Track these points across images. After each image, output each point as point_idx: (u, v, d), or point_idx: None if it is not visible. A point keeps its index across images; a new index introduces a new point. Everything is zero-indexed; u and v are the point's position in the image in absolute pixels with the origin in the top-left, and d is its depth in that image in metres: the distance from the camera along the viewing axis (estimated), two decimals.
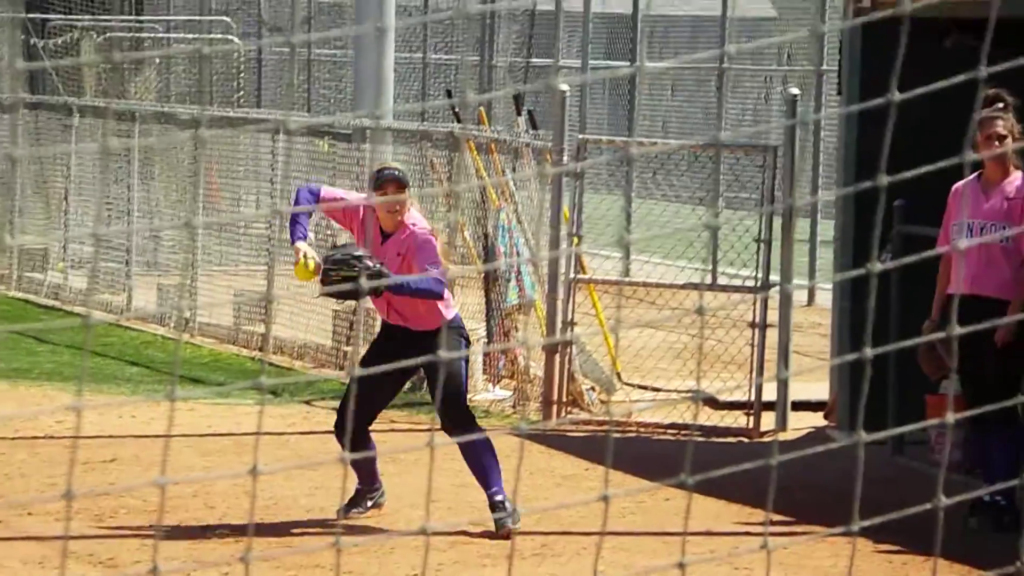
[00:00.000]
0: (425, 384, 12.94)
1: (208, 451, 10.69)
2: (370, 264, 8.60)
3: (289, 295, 11.16)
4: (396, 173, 8.83)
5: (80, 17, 22.15)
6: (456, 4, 21.06)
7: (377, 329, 9.30)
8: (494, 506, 8.75)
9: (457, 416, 8.75)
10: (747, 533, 8.99)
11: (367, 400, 8.42)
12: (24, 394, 12.48)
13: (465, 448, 8.70)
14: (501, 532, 8.69)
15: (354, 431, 8.88)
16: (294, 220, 8.77)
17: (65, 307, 16.97)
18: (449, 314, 8.83)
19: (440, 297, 8.73)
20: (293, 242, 8.72)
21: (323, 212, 9.23)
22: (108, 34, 21.81)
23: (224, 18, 23.38)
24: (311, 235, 9.00)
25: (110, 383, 13.02)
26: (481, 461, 8.80)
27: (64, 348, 14.46)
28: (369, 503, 9.12)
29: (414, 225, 8.80)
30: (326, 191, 8.99)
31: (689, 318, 12.73)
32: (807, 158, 17.79)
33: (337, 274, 8.57)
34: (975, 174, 9.19)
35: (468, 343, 9.01)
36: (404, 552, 8.33)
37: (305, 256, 8.64)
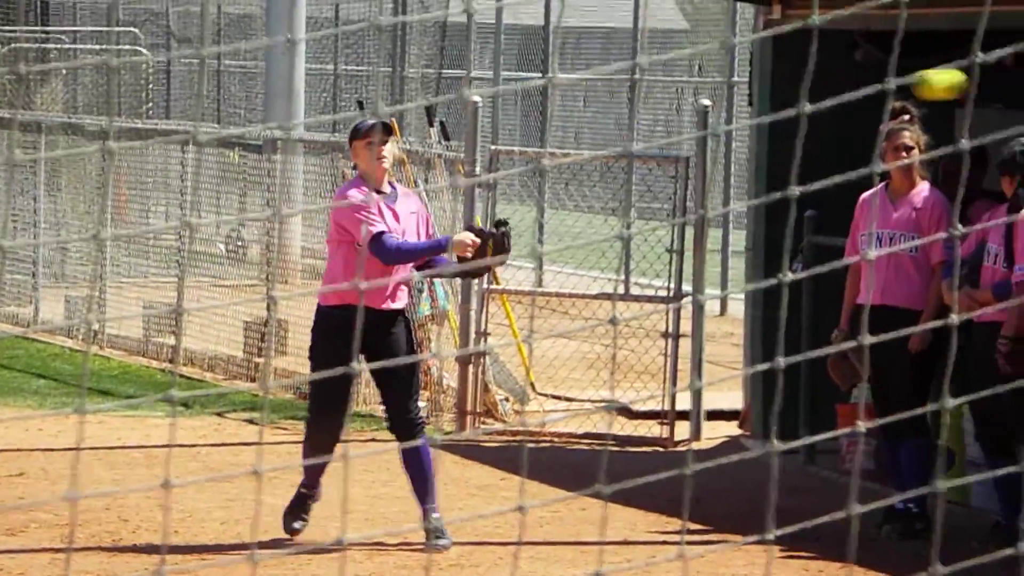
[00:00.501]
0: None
1: (118, 464, 10.58)
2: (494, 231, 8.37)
3: (199, 307, 11.06)
4: (379, 122, 8.38)
5: None
6: (367, 15, 21.01)
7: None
8: (430, 519, 8.45)
9: (417, 416, 8.48)
10: (664, 542, 9.01)
11: (345, 394, 8.40)
12: None
13: (414, 454, 8.37)
14: (431, 551, 8.47)
15: (337, 426, 8.48)
16: (414, 246, 8.40)
17: None
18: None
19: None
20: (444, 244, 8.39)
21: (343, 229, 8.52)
22: (13, 44, 21.58)
23: (132, 29, 23.20)
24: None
25: (16, 396, 12.87)
26: (427, 470, 8.47)
27: None
28: (309, 510, 8.72)
29: (399, 182, 8.70)
30: (388, 234, 8.37)
31: (602, 328, 12.76)
32: (718, 169, 17.89)
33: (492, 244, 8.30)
34: (881, 184, 9.27)
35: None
36: (321, 563, 8.28)
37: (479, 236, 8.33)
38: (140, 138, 15.81)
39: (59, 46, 23.38)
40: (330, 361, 8.12)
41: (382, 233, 8.32)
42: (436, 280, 12.72)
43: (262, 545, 8.66)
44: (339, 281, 8.31)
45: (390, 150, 8.45)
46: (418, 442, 8.33)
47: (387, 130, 8.48)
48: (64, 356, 14.86)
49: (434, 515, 8.49)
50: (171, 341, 14.65)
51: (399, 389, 8.45)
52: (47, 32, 23.30)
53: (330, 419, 8.46)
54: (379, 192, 8.41)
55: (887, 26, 10.07)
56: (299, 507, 8.75)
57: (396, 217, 8.41)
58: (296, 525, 8.73)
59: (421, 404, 8.69)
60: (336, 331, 8.21)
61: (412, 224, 8.43)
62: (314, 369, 8.56)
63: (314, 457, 8.49)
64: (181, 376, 13.84)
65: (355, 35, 21.52)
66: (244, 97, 23.04)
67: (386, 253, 8.28)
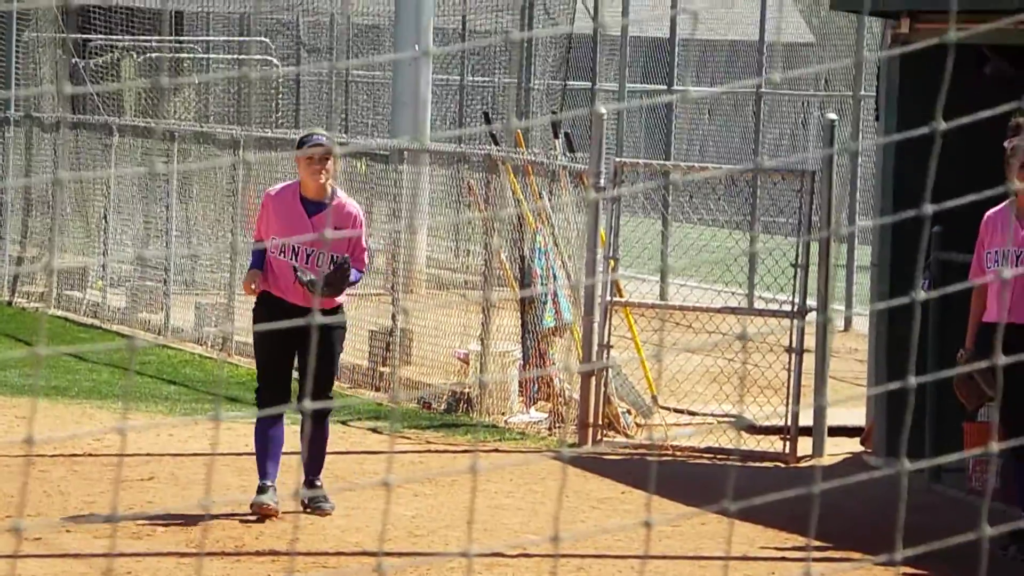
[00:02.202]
0: (460, 404, 12.97)
1: (245, 470, 10.73)
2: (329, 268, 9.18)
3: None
4: (324, 139, 9.34)
5: (120, 37, 22.30)
6: (494, 26, 21.13)
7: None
8: (314, 488, 9.27)
9: (328, 397, 9.32)
10: (783, 559, 8.98)
11: (283, 377, 9.24)
12: (63, 412, 12.56)
13: (318, 433, 9.26)
14: (320, 512, 9.28)
15: (278, 400, 9.25)
16: (252, 254, 9.42)
17: (104, 325, 17.06)
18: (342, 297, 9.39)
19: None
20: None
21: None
22: (148, 54, 21.96)
23: (263, 39, 23.51)
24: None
25: (148, 401, 13.09)
26: (324, 448, 9.36)
27: (103, 366, 14.54)
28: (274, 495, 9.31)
29: (346, 201, 9.26)
30: (256, 241, 9.38)
31: (725, 342, 12.74)
32: (844, 183, 17.77)
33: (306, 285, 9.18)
34: (1007, 201, 9.18)
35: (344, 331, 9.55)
36: (440, 573, 8.35)
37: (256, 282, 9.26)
38: (270, 148, 16.02)
39: (192, 56, 23.75)
40: (262, 340, 9.32)
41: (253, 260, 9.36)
42: (560, 293, 12.77)
43: (384, 554, 8.75)
44: (267, 269, 9.31)
45: (331, 166, 9.20)
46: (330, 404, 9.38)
47: (328, 151, 9.24)
48: (194, 363, 15.09)
49: (318, 483, 9.36)
50: None
51: (317, 364, 9.19)
52: (180, 42, 23.68)
53: (270, 392, 9.26)
54: (310, 202, 9.19)
55: (1016, 40, 9.98)
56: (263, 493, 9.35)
57: (312, 227, 9.12)
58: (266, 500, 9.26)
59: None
60: (264, 313, 9.26)
61: (333, 244, 9.19)
62: (254, 345, 9.61)
63: (263, 444, 9.32)
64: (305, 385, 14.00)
65: (481, 46, 21.65)
66: (371, 107, 23.25)
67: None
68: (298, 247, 9.15)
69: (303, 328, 8.91)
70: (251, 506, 9.21)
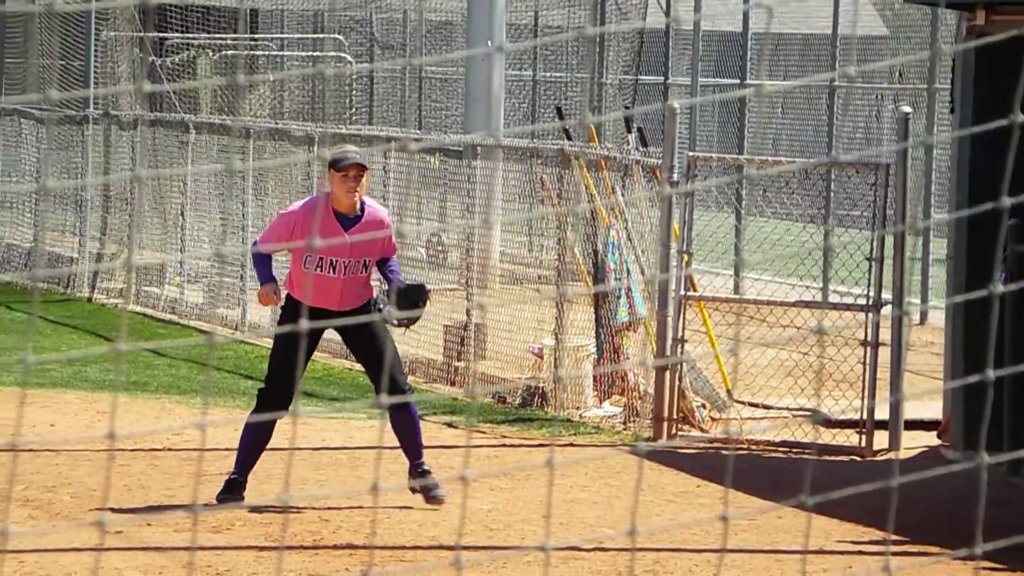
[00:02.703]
0: (534, 398, 13.01)
1: (322, 465, 10.82)
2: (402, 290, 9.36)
3: (403, 314, 11.35)
4: (357, 156, 9.38)
5: (196, 35, 22.49)
6: (567, 21, 21.14)
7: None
8: (425, 475, 9.35)
9: (405, 381, 9.46)
10: (860, 552, 8.97)
11: (292, 382, 9.38)
12: (143, 407, 12.70)
13: (402, 416, 9.34)
14: (435, 502, 9.34)
15: (282, 405, 9.31)
16: (258, 266, 9.55)
17: (182, 321, 17.23)
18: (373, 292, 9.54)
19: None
20: (262, 284, 9.52)
21: (275, 252, 9.72)
22: (224, 52, 22.12)
23: (337, 36, 23.63)
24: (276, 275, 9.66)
25: (225, 396, 13.21)
26: (417, 432, 9.40)
27: (181, 362, 14.69)
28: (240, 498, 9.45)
29: (374, 208, 9.44)
30: (263, 245, 9.50)
31: (800, 336, 12.71)
32: (919, 177, 17.68)
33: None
34: None
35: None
36: (516, 567, 8.39)
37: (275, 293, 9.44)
38: (344, 144, 16.12)
39: (267, 53, 23.90)
40: (285, 342, 9.42)
41: (255, 244, 9.55)
42: (634, 288, 12.78)
43: (460, 548, 8.80)
44: (294, 278, 9.49)
45: (363, 184, 9.38)
46: (409, 398, 9.48)
47: (363, 168, 9.35)
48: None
49: (425, 467, 9.44)
50: None
51: (377, 361, 9.38)
52: (255, 39, 23.85)
53: (277, 395, 9.33)
54: (343, 216, 9.36)
55: None
56: (231, 492, 9.45)
57: (346, 240, 9.29)
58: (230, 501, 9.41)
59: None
60: (294, 317, 9.35)
61: (360, 248, 9.34)
62: (275, 347, 9.69)
63: (251, 438, 9.47)
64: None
65: (554, 42, 21.67)
66: (445, 103, 23.32)
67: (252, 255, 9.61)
68: (335, 260, 9.34)
69: (322, 333, 9.44)
70: (217, 499, 9.38)
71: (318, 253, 9.31)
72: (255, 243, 9.60)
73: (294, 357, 9.27)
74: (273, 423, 9.43)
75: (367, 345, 9.35)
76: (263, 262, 9.42)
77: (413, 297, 9.32)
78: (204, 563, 8.37)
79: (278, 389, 9.34)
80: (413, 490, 9.45)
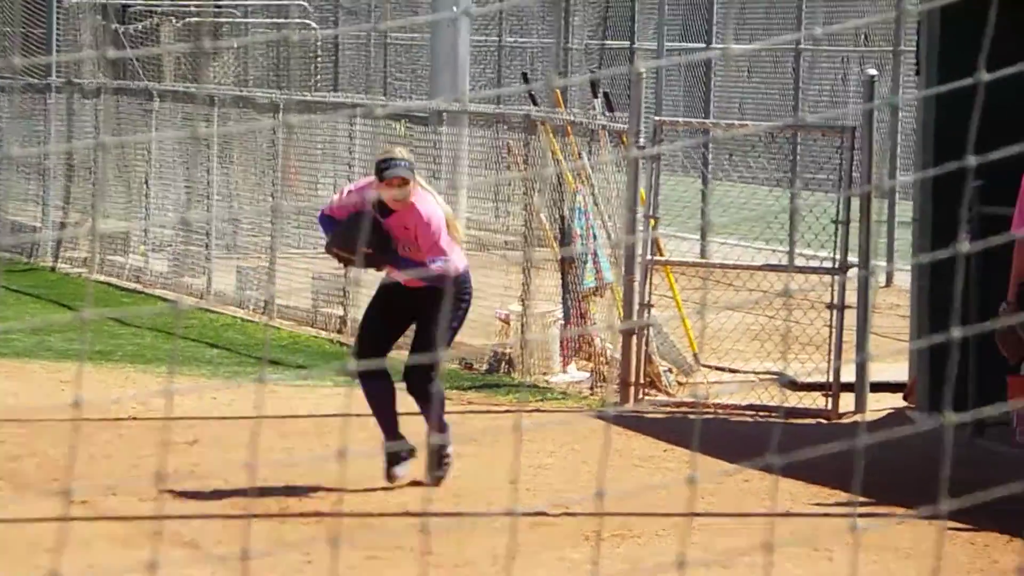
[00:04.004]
0: (501, 364, 13.00)
1: (289, 433, 10.79)
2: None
3: (368, 280, 11.30)
4: (402, 166, 9.15)
5: (160, 2, 22.35)
6: None
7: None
8: (443, 461, 9.19)
9: (432, 370, 9.31)
10: (827, 514, 8.99)
11: (383, 339, 9.29)
12: (107, 376, 12.64)
13: (431, 402, 9.16)
14: (433, 482, 9.16)
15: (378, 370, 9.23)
16: (326, 228, 9.39)
17: (147, 290, 17.16)
18: (461, 265, 9.28)
19: (448, 274, 9.17)
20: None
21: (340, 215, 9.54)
22: (187, 19, 21.99)
23: (302, 2, 23.51)
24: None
25: (191, 365, 13.17)
26: (443, 417, 9.23)
27: (146, 331, 14.63)
28: (404, 460, 9.29)
29: (419, 204, 9.23)
30: (332, 208, 9.41)
31: (766, 299, 12.72)
32: (885, 139, 17.70)
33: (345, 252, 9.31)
34: None
35: (468, 303, 9.40)
36: (485, 533, 8.38)
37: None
38: (309, 110, 16.04)
39: (231, 20, 23.77)
40: (371, 311, 9.44)
41: (323, 212, 9.44)
42: (600, 253, 12.76)
43: (428, 513, 8.79)
44: None
45: (403, 194, 9.19)
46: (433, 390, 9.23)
47: (405, 180, 9.17)
48: (236, 326, 15.16)
49: (450, 456, 9.26)
50: (339, 312, 14.87)
51: (419, 345, 9.33)
52: (219, 6, 23.71)
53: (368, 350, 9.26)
54: (385, 207, 9.24)
55: None
56: (394, 460, 9.30)
57: (381, 226, 9.19)
58: (398, 471, 9.25)
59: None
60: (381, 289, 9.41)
61: (397, 231, 9.20)
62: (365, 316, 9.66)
63: (373, 402, 9.38)
64: (347, 346, 14.07)
65: (519, 7, 21.60)
66: (410, 69, 23.24)
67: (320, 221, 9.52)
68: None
69: (412, 304, 9.23)
70: (387, 477, 9.22)
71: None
72: (323, 210, 9.47)
73: (378, 315, 9.31)
74: (383, 373, 9.27)
75: (427, 316, 9.17)
76: (323, 219, 9.38)
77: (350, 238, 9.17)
78: (171, 531, 8.35)
79: (366, 344, 9.31)
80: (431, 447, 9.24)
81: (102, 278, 17.79)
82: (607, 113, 13.49)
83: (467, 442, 10.02)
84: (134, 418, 11.03)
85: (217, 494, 9.08)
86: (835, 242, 11.80)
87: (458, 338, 13.71)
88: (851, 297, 11.87)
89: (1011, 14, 10.39)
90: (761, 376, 12.44)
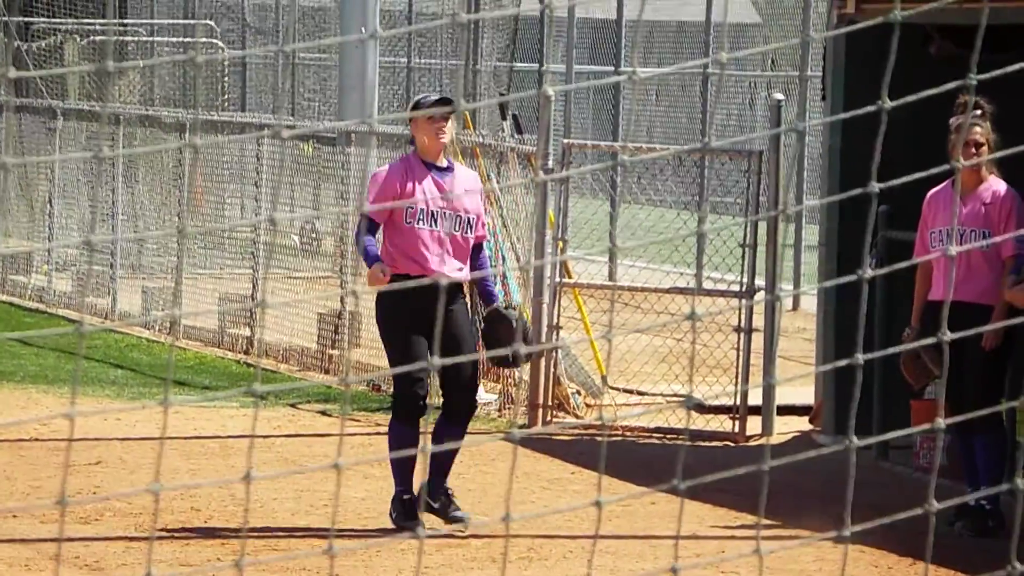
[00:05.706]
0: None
1: (193, 454, 10.70)
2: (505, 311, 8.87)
3: (276, 301, 11.23)
4: (440, 97, 8.84)
5: (64, 20, 22.14)
6: (440, 8, 21.08)
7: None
8: (451, 502, 8.78)
9: (474, 399, 8.92)
10: (732, 537, 9.02)
11: (423, 370, 8.46)
12: (9, 397, 12.48)
13: (457, 432, 8.68)
14: (459, 528, 8.72)
15: (417, 400, 8.64)
16: (367, 246, 8.64)
17: (49, 310, 16.96)
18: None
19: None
20: (369, 265, 8.60)
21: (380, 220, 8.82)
22: (92, 37, 21.80)
23: (208, 22, 23.38)
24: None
25: (95, 386, 13.02)
26: (454, 454, 8.82)
27: (49, 351, 14.45)
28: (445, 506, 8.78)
29: (462, 167, 8.93)
30: (374, 214, 8.67)
31: (674, 323, 12.77)
32: (792, 163, 17.84)
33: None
34: (949, 180, 9.24)
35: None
36: (390, 555, 8.35)
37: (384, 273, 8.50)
38: (216, 131, 15.95)
39: (137, 39, 23.59)
40: (396, 328, 8.57)
41: (363, 216, 8.68)
42: (508, 273, 12.76)
43: (335, 535, 8.74)
44: (392, 250, 8.61)
45: (450, 126, 8.67)
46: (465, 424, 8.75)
47: (448, 104, 8.74)
48: (141, 347, 15.02)
49: (449, 490, 8.80)
50: (246, 332, 14.77)
51: (465, 375, 8.81)
52: (125, 25, 23.52)
53: (408, 393, 8.64)
54: (433, 166, 8.64)
55: (961, 20, 10.02)
56: (407, 511, 8.74)
57: (439, 187, 8.60)
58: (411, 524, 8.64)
59: (488, 396, 8.83)
60: (393, 297, 8.47)
61: (463, 201, 8.63)
62: (384, 338, 8.74)
63: (399, 448, 8.61)
64: (255, 368, 13.97)
65: (427, 29, 21.60)
66: (319, 90, 23.17)
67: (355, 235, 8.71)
68: (436, 212, 8.57)
69: (434, 307, 8.38)
70: (394, 522, 8.68)
71: (419, 205, 8.51)
72: (360, 219, 8.66)
73: (409, 336, 8.46)
74: (417, 424, 8.61)
75: (449, 339, 8.51)
76: (370, 241, 8.49)
77: (499, 335, 8.66)
78: (72, 554, 8.24)
79: (408, 380, 8.56)
80: (431, 507, 8.73)
81: (4, 298, 17.57)
82: (516, 135, 13.51)
83: (374, 464, 9.96)
84: (36, 439, 10.89)
85: (120, 516, 8.97)
86: (742, 266, 11.87)
87: (367, 360, 13.68)
88: (758, 320, 11.94)
89: (915, 42, 10.51)
90: (668, 399, 12.48)
